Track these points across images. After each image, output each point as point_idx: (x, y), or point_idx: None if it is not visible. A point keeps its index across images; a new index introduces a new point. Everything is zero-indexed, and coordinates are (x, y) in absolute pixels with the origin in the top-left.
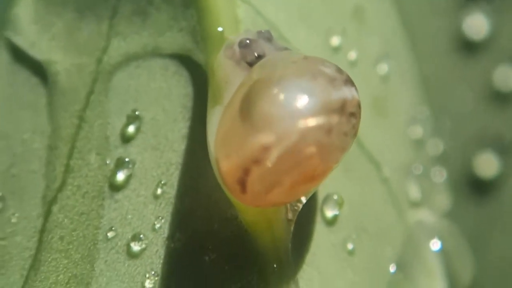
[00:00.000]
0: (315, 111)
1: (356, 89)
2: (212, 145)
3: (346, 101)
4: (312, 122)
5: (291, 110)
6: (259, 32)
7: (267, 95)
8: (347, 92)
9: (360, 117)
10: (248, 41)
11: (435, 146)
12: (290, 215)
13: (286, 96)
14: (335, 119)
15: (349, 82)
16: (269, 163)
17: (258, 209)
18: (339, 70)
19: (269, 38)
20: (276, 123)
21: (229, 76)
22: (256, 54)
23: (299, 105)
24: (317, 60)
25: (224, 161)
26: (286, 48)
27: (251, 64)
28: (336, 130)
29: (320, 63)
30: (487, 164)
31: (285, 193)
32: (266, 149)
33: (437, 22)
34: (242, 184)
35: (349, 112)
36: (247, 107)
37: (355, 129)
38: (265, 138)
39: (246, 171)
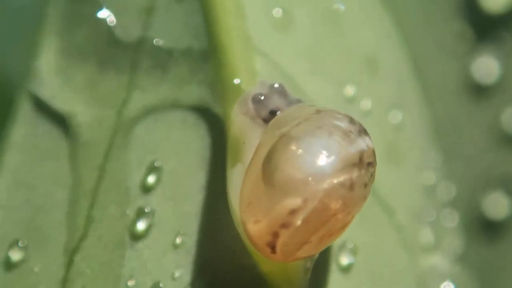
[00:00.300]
0: (336, 170)
1: (369, 137)
2: (235, 205)
3: (363, 152)
4: (335, 180)
5: (314, 172)
6: (271, 87)
7: (288, 158)
8: (362, 144)
9: (376, 163)
10: (261, 97)
11: (447, 191)
12: (307, 264)
13: (306, 157)
14: (355, 173)
15: (362, 132)
16: (297, 226)
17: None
18: (352, 121)
19: (282, 92)
20: (300, 187)
21: (246, 132)
22: (269, 110)
23: (321, 166)
24: (329, 114)
25: (252, 225)
26: (299, 101)
27: (265, 120)
28: (357, 183)
29: (333, 117)
30: (497, 205)
31: (314, 248)
32: (293, 212)
33: (447, 67)
34: (272, 246)
35: (367, 163)
36: (270, 171)
37: (373, 176)
38: (292, 202)
39: (275, 235)
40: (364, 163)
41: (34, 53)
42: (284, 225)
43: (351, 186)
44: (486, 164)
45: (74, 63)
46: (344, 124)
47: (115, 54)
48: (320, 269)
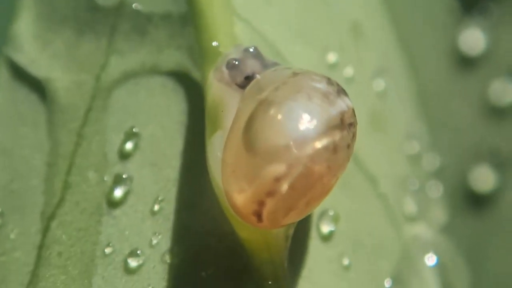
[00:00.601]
0: (319, 134)
1: (348, 97)
2: (216, 173)
3: (343, 113)
4: (318, 145)
5: (296, 138)
6: (246, 51)
7: (269, 124)
8: (342, 104)
9: (357, 123)
10: (235, 62)
11: (432, 161)
12: (289, 231)
13: (287, 123)
14: (337, 135)
15: (341, 92)
16: (282, 193)
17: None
18: (330, 82)
19: (257, 55)
20: (283, 154)
21: (223, 99)
22: (245, 75)
23: (303, 131)
24: (307, 76)
25: (237, 195)
26: (275, 63)
27: (241, 86)
28: (340, 145)
29: (311, 79)
30: (484, 178)
31: (300, 213)
32: (278, 180)
33: (433, 37)
34: (258, 215)
35: (348, 123)
36: (251, 138)
37: (355, 136)
38: (276, 170)
39: (260, 204)
40: (346, 124)
41: (12, 18)
42: (270, 193)
43: (334, 148)
44: (473, 137)
45: (53, 28)
46: (322, 86)
47: (94, 18)
48: (300, 236)
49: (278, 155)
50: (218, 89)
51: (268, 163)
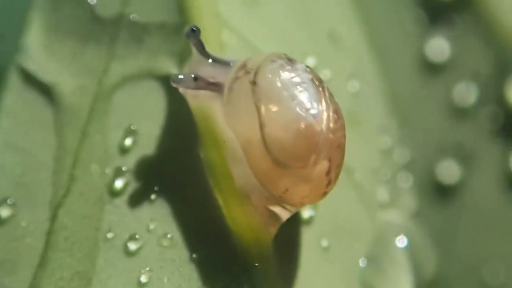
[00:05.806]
0: (323, 111)
1: (294, 60)
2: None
3: (312, 79)
4: (331, 124)
5: (319, 130)
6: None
7: (290, 140)
8: (304, 74)
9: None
10: (179, 76)
11: (402, 155)
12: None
13: (303, 126)
14: (328, 99)
15: (291, 61)
16: (334, 176)
17: (243, 212)
18: (281, 65)
19: (201, 51)
20: (320, 149)
21: (204, 108)
22: (208, 81)
23: (315, 118)
24: (266, 81)
25: (301, 200)
26: (225, 62)
27: (203, 87)
28: (336, 108)
29: (272, 81)
30: (449, 171)
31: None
32: (328, 172)
33: (404, 47)
34: (325, 195)
35: (319, 80)
36: (284, 161)
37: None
38: (323, 167)
39: (324, 194)
40: (320, 83)
41: (23, 30)
42: (328, 184)
43: (335, 111)
44: (439, 133)
45: (59, 38)
46: (284, 75)
47: (95, 29)
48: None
49: (317, 155)
50: (189, 97)
51: (314, 166)
